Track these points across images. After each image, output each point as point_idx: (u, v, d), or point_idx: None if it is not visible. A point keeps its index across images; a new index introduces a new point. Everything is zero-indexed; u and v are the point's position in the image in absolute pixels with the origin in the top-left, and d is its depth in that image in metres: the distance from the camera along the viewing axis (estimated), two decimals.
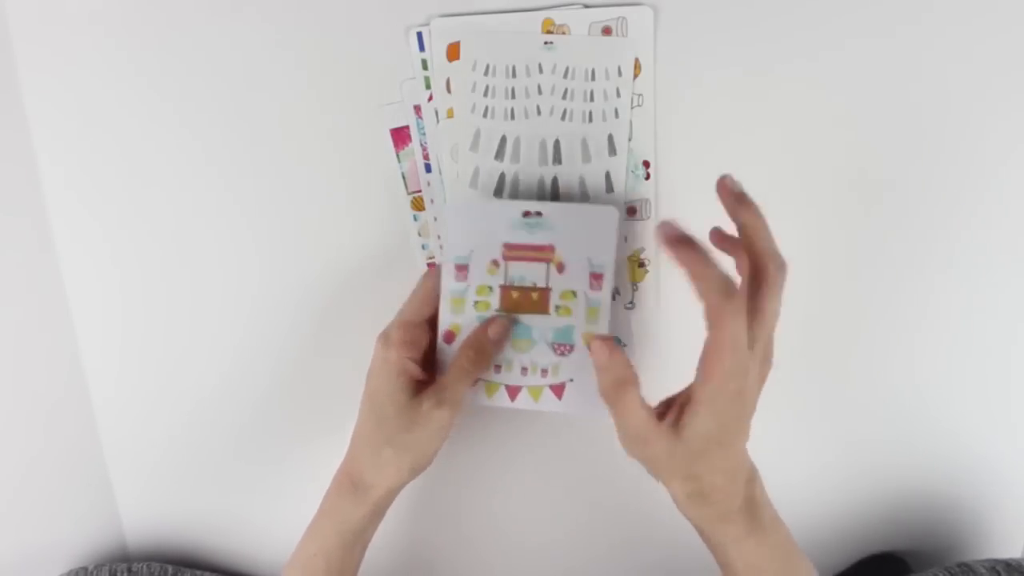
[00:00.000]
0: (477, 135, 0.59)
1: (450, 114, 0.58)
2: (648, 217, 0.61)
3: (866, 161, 0.62)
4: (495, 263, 0.56)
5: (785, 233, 0.60)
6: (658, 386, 0.66)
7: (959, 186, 0.62)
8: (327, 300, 0.63)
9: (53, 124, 0.59)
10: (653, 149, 0.60)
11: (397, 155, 0.60)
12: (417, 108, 0.59)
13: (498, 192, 0.60)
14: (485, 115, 0.59)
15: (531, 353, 0.57)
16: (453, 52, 0.57)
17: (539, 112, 0.58)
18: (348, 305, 0.63)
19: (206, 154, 0.60)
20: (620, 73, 0.58)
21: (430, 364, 0.58)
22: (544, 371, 0.57)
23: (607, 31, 0.57)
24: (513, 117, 0.59)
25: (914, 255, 0.64)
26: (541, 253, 0.56)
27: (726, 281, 0.46)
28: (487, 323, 0.57)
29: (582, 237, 0.55)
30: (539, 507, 0.70)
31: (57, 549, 0.68)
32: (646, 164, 0.60)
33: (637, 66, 0.58)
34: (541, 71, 0.58)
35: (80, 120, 0.59)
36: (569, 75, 0.58)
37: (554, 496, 0.69)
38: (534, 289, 0.56)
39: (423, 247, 0.62)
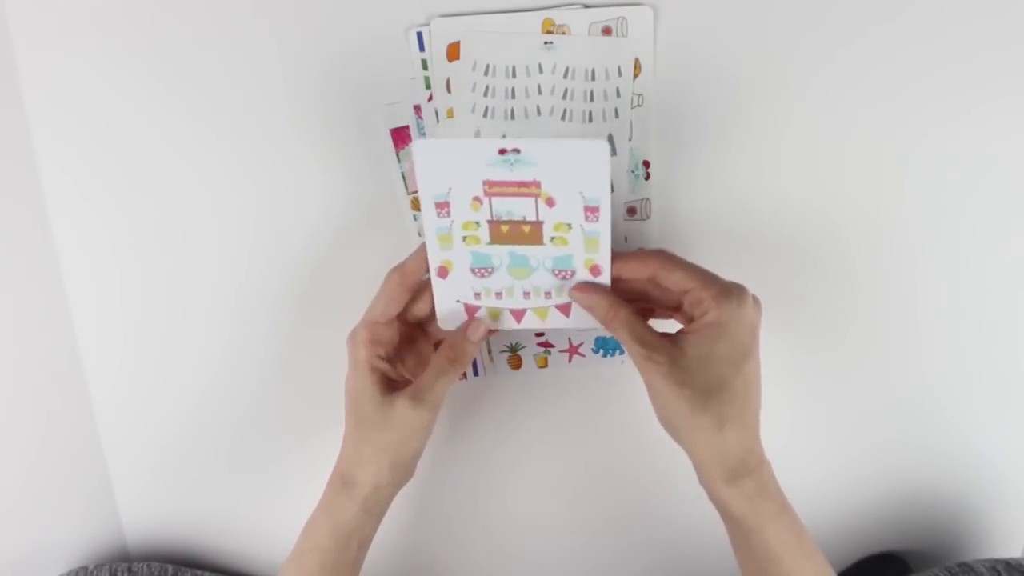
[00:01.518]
0: (477, 135, 0.59)
1: (450, 114, 0.58)
2: (648, 217, 0.61)
3: (865, 160, 0.62)
4: (477, 200, 0.52)
5: (785, 233, 0.60)
6: None
7: (965, 188, 0.62)
8: (327, 300, 0.63)
9: (53, 123, 0.59)
10: (653, 149, 0.60)
11: (397, 155, 0.60)
12: (417, 108, 0.59)
13: None
14: (485, 115, 0.59)
15: (531, 279, 0.55)
16: (453, 52, 0.57)
17: (539, 112, 0.58)
18: (348, 305, 0.63)
19: (205, 154, 0.60)
20: (620, 73, 0.58)
21: (406, 362, 0.59)
22: (547, 293, 0.56)
23: (607, 31, 0.57)
24: (513, 117, 0.59)
25: (916, 257, 0.64)
26: (526, 189, 0.52)
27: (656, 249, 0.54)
28: (465, 324, 0.57)
29: (570, 173, 0.51)
30: (540, 506, 0.70)
31: (57, 549, 0.68)
32: (646, 164, 0.60)
33: (637, 66, 0.58)
34: (541, 71, 0.58)
35: (80, 119, 0.59)
36: (569, 75, 0.58)
37: (555, 496, 0.69)
38: (525, 223, 0.53)
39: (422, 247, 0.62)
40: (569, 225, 0.53)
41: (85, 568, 0.66)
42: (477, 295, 0.56)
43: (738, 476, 0.51)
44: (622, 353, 0.64)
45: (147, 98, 0.58)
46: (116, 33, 0.57)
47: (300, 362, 0.65)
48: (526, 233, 0.53)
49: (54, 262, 0.62)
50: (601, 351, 0.64)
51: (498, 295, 0.56)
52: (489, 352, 0.64)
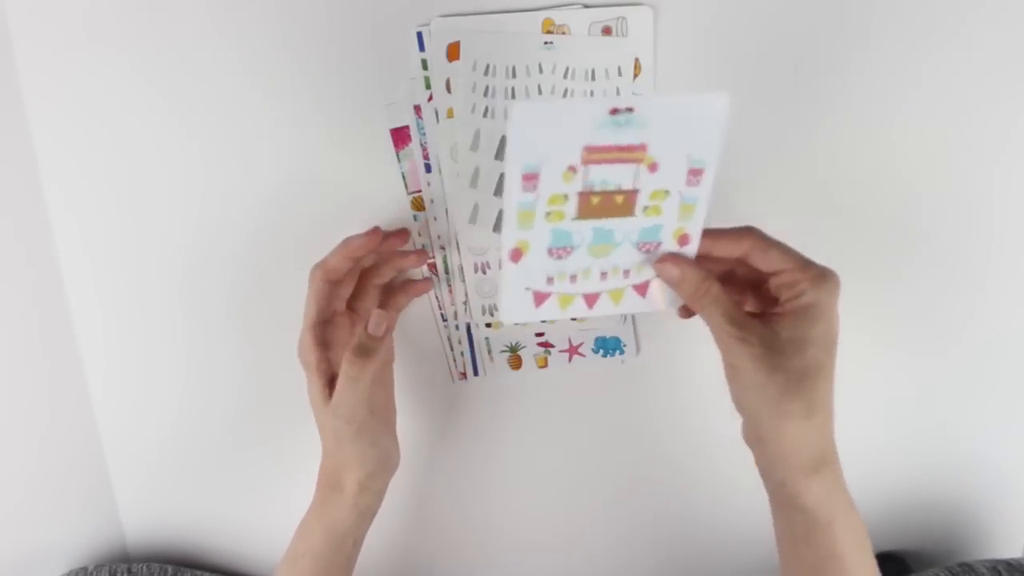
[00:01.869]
0: (477, 135, 0.59)
1: (450, 114, 0.58)
2: None
3: (867, 160, 0.62)
4: (572, 169, 0.48)
5: (785, 232, 0.60)
6: (660, 385, 0.66)
7: (960, 191, 0.62)
8: None
9: (54, 125, 0.59)
10: None
11: (397, 155, 0.60)
12: (417, 108, 0.59)
13: (497, 191, 0.60)
14: (485, 115, 0.59)
15: (612, 256, 0.52)
16: (453, 52, 0.57)
17: None
18: None
19: (206, 154, 0.60)
20: (620, 73, 0.58)
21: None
22: (626, 272, 0.53)
23: (607, 31, 0.57)
24: None
25: (915, 259, 0.64)
26: (630, 154, 0.48)
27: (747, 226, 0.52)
28: (367, 322, 0.55)
29: (681, 132, 0.48)
30: (540, 506, 0.70)
31: (57, 549, 0.68)
32: None
33: (637, 66, 0.58)
34: (541, 71, 0.58)
35: (81, 122, 0.59)
36: (569, 75, 0.58)
37: (555, 495, 0.69)
38: (619, 192, 0.50)
39: (423, 247, 0.62)
40: (667, 192, 0.50)
41: (85, 568, 0.66)
42: (550, 280, 0.52)
43: (820, 466, 0.50)
44: (622, 353, 0.64)
45: (147, 99, 0.58)
46: (116, 36, 0.57)
47: (298, 367, 0.64)
48: (618, 204, 0.50)
49: (54, 263, 0.62)
50: (601, 351, 0.64)
51: (573, 278, 0.52)
52: (489, 352, 0.64)
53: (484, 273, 0.62)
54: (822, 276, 0.49)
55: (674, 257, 0.51)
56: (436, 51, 0.57)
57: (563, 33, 0.57)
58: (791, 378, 0.48)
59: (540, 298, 0.53)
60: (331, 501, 0.57)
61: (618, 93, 0.58)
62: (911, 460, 0.70)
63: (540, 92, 0.58)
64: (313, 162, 0.60)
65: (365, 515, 0.58)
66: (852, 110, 0.60)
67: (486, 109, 0.58)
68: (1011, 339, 0.66)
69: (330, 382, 0.55)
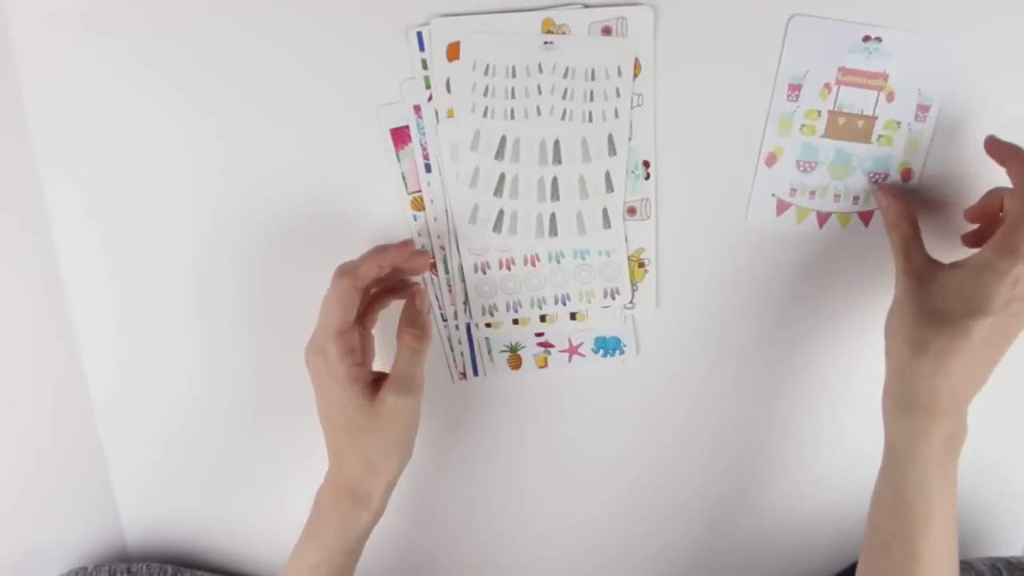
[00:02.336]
0: (477, 135, 0.59)
1: (450, 114, 0.58)
2: (648, 217, 0.61)
3: None
4: (827, 86, 0.57)
5: (785, 232, 0.60)
6: (660, 385, 0.66)
7: (959, 188, 0.62)
8: None
9: (54, 123, 0.59)
10: (653, 149, 0.60)
11: (397, 155, 0.60)
12: (417, 108, 0.59)
13: (498, 191, 0.60)
14: (485, 115, 0.59)
15: (846, 180, 0.59)
16: (453, 52, 0.57)
17: (539, 112, 0.58)
18: None
19: (205, 155, 0.60)
20: (620, 73, 0.58)
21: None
22: (856, 198, 0.60)
23: (607, 31, 0.57)
24: (513, 117, 0.58)
25: None
26: (874, 80, 0.57)
27: None
28: (413, 295, 0.59)
29: (916, 67, 0.57)
30: (540, 506, 0.70)
31: (57, 549, 0.68)
32: (646, 164, 0.60)
33: (637, 66, 0.58)
34: (541, 71, 0.58)
35: (80, 119, 0.58)
36: (569, 75, 0.58)
37: (555, 495, 0.69)
38: (861, 117, 0.58)
39: (423, 247, 0.62)
40: (898, 123, 0.57)
41: (85, 568, 0.66)
42: (793, 191, 0.60)
43: (910, 406, 0.53)
44: (622, 353, 0.64)
45: (146, 98, 0.58)
46: (114, 33, 0.57)
47: (300, 364, 0.64)
48: (858, 128, 0.58)
49: (54, 262, 0.62)
50: (601, 351, 0.64)
51: (811, 194, 0.60)
52: (489, 352, 0.64)
53: (484, 273, 0.62)
54: (1007, 246, 0.51)
55: (888, 188, 0.59)
56: (436, 51, 0.57)
57: (563, 33, 0.57)
58: (922, 313, 0.53)
59: (782, 207, 0.60)
60: (354, 510, 0.56)
61: (618, 94, 0.58)
62: None
63: (540, 92, 0.58)
64: (312, 162, 0.60)
65: (381, 513, 0.58)
66: None
67: (486, 109, 0.58)
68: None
69: (368, 387, 0.55)
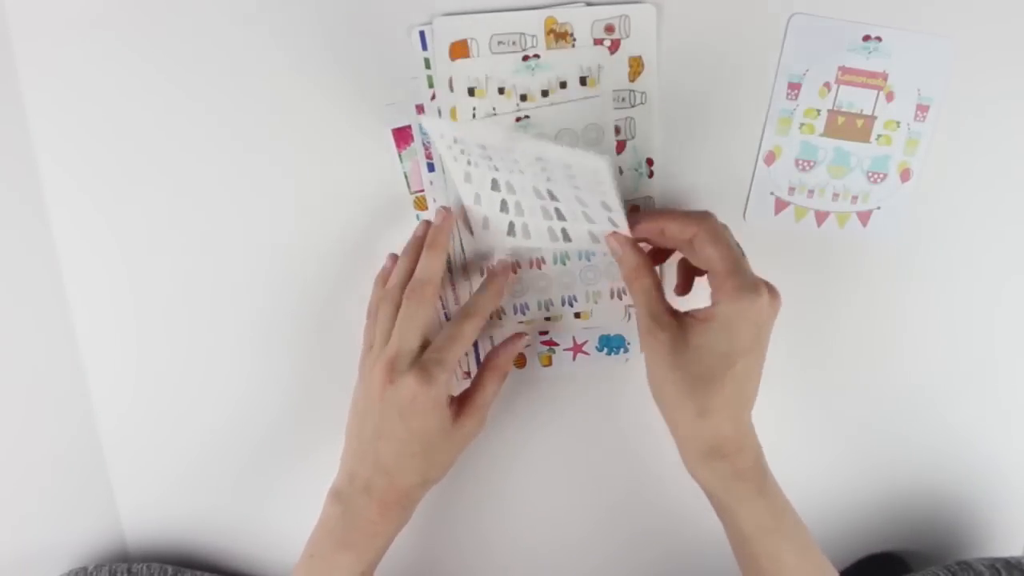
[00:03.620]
0: (477, 198, 0.58)
1: (453, 114, 0.58)
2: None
3: None
4: (827, 85, 0.58)
5: (786, 231, 0.60)
6: None
7: (962, 185, 0.62)
8: (329, 301, 0.63)
9: (53, 119, 0.59)
10: (656, 147, 0.60)
11: (399, 155, 0.60)
12: (419, 107, 0.59)
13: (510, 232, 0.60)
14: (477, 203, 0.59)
15: (845, 179, 0.60)
16: (455, 51, 0.57)
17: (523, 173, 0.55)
18: (351, 307, 0.63)
19: (207, 155, 0.60)
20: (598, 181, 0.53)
21: None
22: (855, 198, 0.60)
23: (610, 28, 0.57)
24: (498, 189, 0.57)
25: (915, 256, 0.64)
26: (873, 80, 0.57)
27: (704, 212, 0.53)
28: (510, 340, 0.61)
29: (915, 67, 0.57)
30: (543, 504, 0.70)
31: (57, 549, 0.68)
32: (649, 162, 0.60)
33: (639, 65, 0.58)
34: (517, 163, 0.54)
35: (80, 116, 0.59)
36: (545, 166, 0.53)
37: (559, 493, 0.69)
38: (860, 116, 0.58)
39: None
40: (898, 123, 0.58)
41: (85, 568, 0.65)
42: (791, 190, 0.60)
43: (711, 458, 0.53)
44: (626, 351, 0.64)
45: (146, 98, 0.58)
46: (115, 31, 0.57)
47: (299, 364, 0.64)
48: (858, 128, 0.58)
49: (54, 261, 0.61)
50: (605, 349, 0.64)
51: (810, 193, 0.60)
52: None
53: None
54: (740, 290, 0.50)
55: (620, 236, 0.55)
56: (439, 50, 0.57)
57: (565, 32, 0.57)
58: (687, 380, 0.51)
59: (780, 206, 0.61)
60: (401, 519, 0.58)
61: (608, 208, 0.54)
62: (910, 459, 0.70)
63: (522, 173, 0.54)
64: (314, 162, 0.60)
65: None
66: None
67: (476, 197, 0.58)
68: (1011, 338, 0.66)
69: (450, 409, 0.57)
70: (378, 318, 0.57)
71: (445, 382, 0.55)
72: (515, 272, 0.61)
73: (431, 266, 0.56)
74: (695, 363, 0.51)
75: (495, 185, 0.56)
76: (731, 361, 0.51)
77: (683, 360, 0.51)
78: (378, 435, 0.55)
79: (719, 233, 0.52)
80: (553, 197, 0.54)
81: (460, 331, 0.56)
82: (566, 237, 0.58)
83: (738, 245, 0.53)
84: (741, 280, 0.50)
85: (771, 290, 0.51)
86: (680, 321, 0.52)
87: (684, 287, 0.59)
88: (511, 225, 0.59)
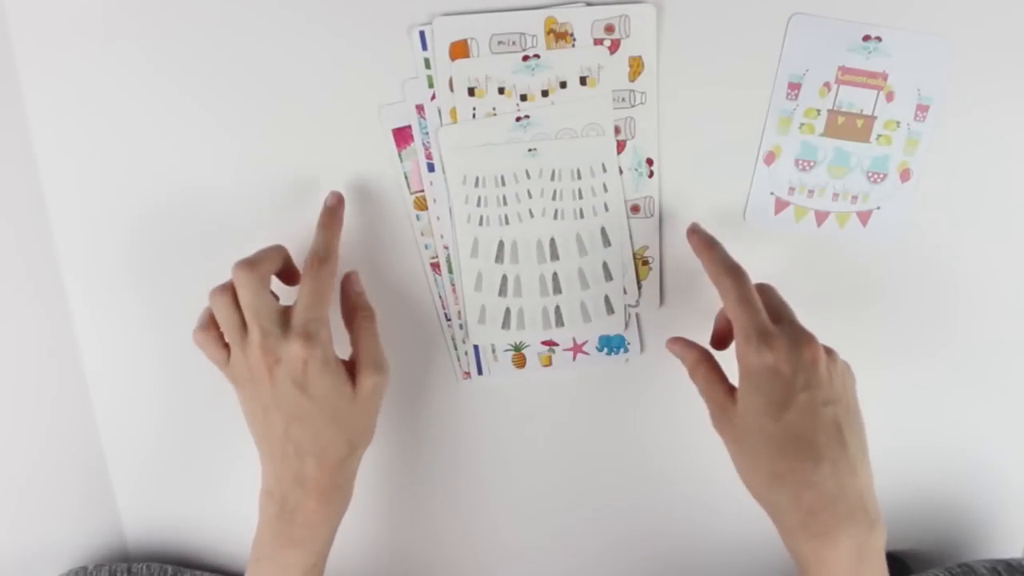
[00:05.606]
0: (476, 243, 0.61)
1: (453, 115, 0.58)
2: (652, 215, 0.61)
3: None
4: (826, 85, 0.58)
5: (786, 231, 0.60)
6: (664, 383, 0.66)
7: (963, 188, 0.62)
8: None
9: (53, 120, 0.59)
10: (656, 147, 0.60)
11: (399, 155, 0.60)
12: (419, 107, 0.59)
13: (502, 291, 0.62)
14: (480, 223, 0.61)
15: (845, 180, 0.60)
16: (455, 50, 0.57)
17: (531, 215, 0.61)
18: None
19: (206, 154, 0.60)
20: (605, 169, 0.59)
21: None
22: (854, 198, 0.60)
23: (610, 28, 0.57)
24: (508, 223, 0.61)
25: (914, 257, 0.64)
26: (873, 80, 0.57)
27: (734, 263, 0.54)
28: (346, 281, 0.59)
29: (915, 66, 0.57)
30: (543, 504, 0.70)
31: (57, 549, 0.68)
32: (649, 162, 0.60)
33: (640, 65, 0.58)
34: (528, 177, 0.59)
35: (80, 116, 0.59)
36: (556, 177, 0.59)
37: (559, 493, 0.69)
38: (860, 116, 0.58)
39: (425, 247, 0.62)
40: (898, 123, 0.58)
41: (85, 568, 0.66)
42: (791, 190, 0.60)
43: (810, 534, 0.49)
44: (626, 352, 0.64)
45: (146, 98, 0.58)
46: (115, 31, 0.57)
47: None
48: (857, 128, 0.58)
49: (53, 261, 0.61)
50: (605, 349, 0.64)
51: (810, 193, 0.60)
52: (493, 351, 0.64)
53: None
54: (745, 341, 0.51)
55: (678, 340, 0.58)
56: (439, 49, 0.57)
57: (565, 32, 0.57)
58: (747, 450, 0.51)
59: (780, 206, 0.61)
60: (340, 502, 0.56)
61: (605, 189, 0.60)
62: (911, 461, 0.70)
63: (530, 196, 0.60)
64: (314, 162, 0.60)
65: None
66: None
67: (481, 218, 0.60)
68: (1011, 340, 0.66)
69: (345, 371, 0.54)
70: (217, 314, 0.54)
71: (328, 338, 0.53)
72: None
73: (322, 239, 0.56)
74: (749, 431, 0.51)
75: (499, 253, 0.60)
76: (775, 416, 0.50)
77: (740, 432, 0.52)
78: (286, 420, 0.53)
79: (743, 288, 0.53)
80: (554, 254, 0.61)
81: (319, 280, 0.54)
82: (559, 321, 0.62)
83: (781, 300, 0.55)
84: (745, 333, 0.51)
85: (794, 339, 0.51)
86: (734, 394, 0.53)
87: (719, 342, 0.59)
88: (507, 313, 0.62)
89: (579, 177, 0.60)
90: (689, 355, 0.57)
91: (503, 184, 0.59)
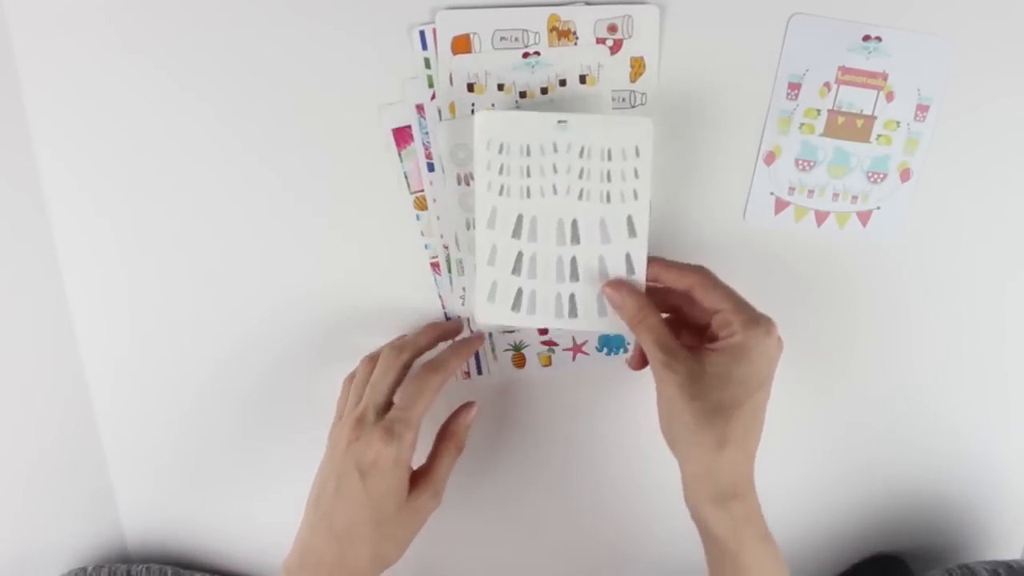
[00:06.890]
0: (494, 213, 0.57)
1: (451, 110, 0.58)
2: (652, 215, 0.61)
3: None
4: (827, 85, 0.58)
5: (785, 231, 0.60)
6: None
7: (953, 186, 0.62)
8: (328, 301, 0.63)
9: (52, 116, 0.59)
10: (656, 147, 0.60)
11: (399, 154, 0.60)
12: (419, 107, 0.59)
13: (516, 270, 0.58)
14: (501, 193, 0.56)
15: (845, 179, 0.60)
16: (457, 45, 0.57)
17: (555, 191, 0.56)
18: (350, 306, 0.63)
19: (207, 155, 0.60)
20: (638, 154, 0.55)
21: None
22: (854, 198, 0.60)
23: (612, 28, 0.57)
24: (529, 195, 0.57)
25: (910, 256, 0.64)
26: (873, 80, 0.58)
27: (698, 265, 0.55)
28: (462, 410, 0.61)
29: (916, 67, 0.57)
30: (543, 504, 0.70)
31: (57, 549, 0.68)
32: None
33: (642, 65, 0.58)
34: (556, 150, 0.56)
35: (79, 113, 0.59)
36: (585, 155, 0.55)
37: (559, 493, 0.69)
38: (860, 116, 0.58)
39: (425, 247, 0.62)
40: (898, 123, 0.58)
41: (84, 569, 0.66)
42: (791, 190, 0.60)
43: (726, 498, 0.52)
44: (626, 351, 0.64)
45: (145, 95, 0.58)
46: (115, 27, 0.57)
47: (301, 365, 0.64)
48: (857, 128, 0.59)
49: (54, 260, 0.61)
50: (605, 349, 0.64)
51: (810, 193, 0.60)
52: (493, 351, 0.64)
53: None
54: (754, 320, 0.52)
55: (617, 283, 0.56)
56: (441, 44, 0.57)
57: (569, 31, 0.57)
58: (707, 409, 0.50)
59: (780, 206, 0.61)
60: None
61: (636, 175, 0.57)
62: (911, 462, 0.70)
63: (556, 171, 0.56)
64: (314, 162, 0.60)
65: None
66: None
67: (502, 187, 0.56)
68: (1010, 339, 0.66)
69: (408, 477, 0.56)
70: (354, 380, 0.59)
71: (410, 442, 0.54)
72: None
73: (422, 340, 0.59)
74: (716, 391, 0.51)
75: (517, 228, 0.57)
76: (749, 390, 0.51)
77: (702, 390, 0.51)
78: (336, 495, 0.54)
79: (718, 280, 0.54)
80: (575, 238, 0.56)
81: (425, 385, 0.56)
82: (572, 311, 0.58)
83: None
84: (753, 313, 0.52)
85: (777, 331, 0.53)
86: (694, 353, 0.52)
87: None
88: (519, 293, 0.58)
89: (609, 158, 0.55)
90: (631, 302, 0.55)
91: (528, 154, 0.56)
